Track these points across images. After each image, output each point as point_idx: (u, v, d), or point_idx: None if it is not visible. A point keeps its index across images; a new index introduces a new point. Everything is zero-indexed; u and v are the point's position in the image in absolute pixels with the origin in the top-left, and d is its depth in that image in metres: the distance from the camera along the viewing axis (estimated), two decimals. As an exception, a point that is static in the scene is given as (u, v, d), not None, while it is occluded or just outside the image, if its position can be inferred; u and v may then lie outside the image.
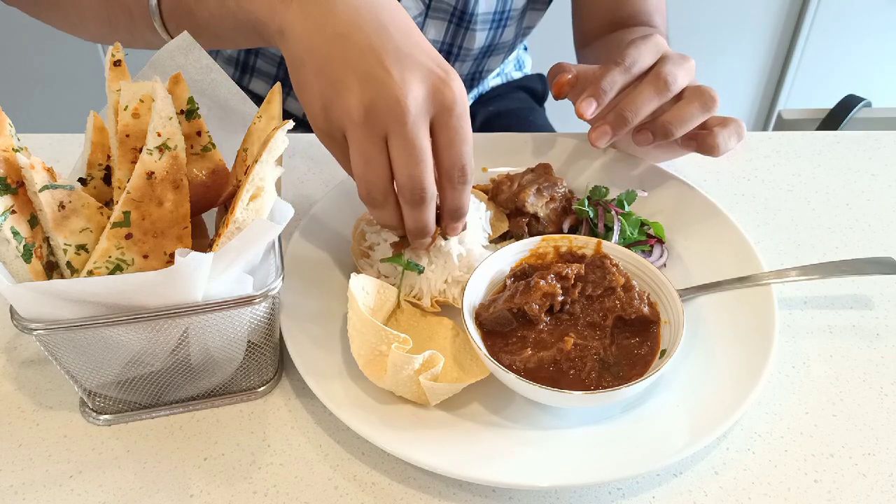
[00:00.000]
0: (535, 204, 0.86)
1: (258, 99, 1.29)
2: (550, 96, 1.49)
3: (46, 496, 0.67)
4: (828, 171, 1.03)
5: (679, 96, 0.85)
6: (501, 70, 1.44)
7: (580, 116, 0.84)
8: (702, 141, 0.86)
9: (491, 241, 0.85)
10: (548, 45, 1.67)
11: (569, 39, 1.30)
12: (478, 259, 0.80)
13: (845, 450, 0.71)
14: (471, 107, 1.37)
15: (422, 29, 1.18)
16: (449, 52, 1.22)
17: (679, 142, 0.87)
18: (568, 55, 1.28)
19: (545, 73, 1.49)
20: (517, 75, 1.47)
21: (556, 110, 1.52)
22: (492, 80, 1.42)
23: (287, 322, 0.76)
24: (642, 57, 0.84)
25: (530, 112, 1.42)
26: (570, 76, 0.89)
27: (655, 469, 0.67)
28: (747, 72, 2.47)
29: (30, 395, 0.75)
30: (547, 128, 1.41)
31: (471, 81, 1.32)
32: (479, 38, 1.20)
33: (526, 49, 1.51)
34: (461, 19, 1.16)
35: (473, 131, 1.36)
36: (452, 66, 1.24)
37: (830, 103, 1.35)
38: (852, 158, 1.05)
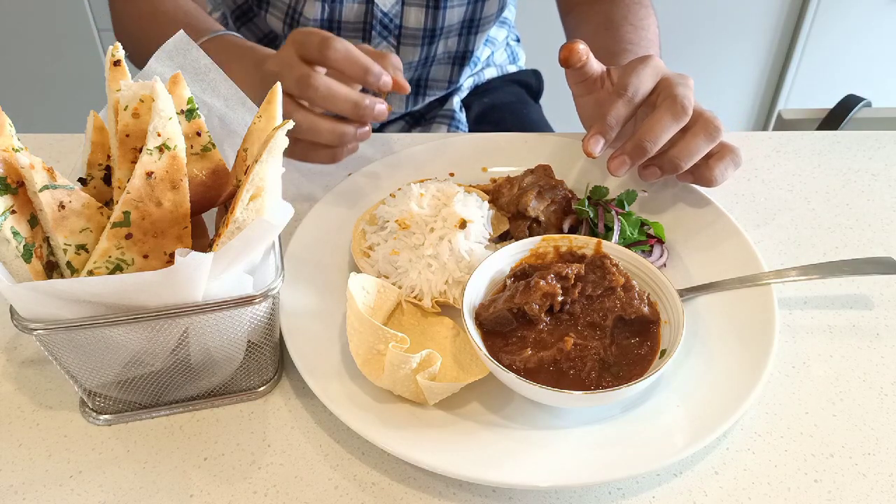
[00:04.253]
0: (537, 208, 0.86)
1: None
2: (545, 93, 1.49)
3: (46, 496, 0.67)
4: (828, 171, 1.03)
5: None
6: (493, 60, 1.43)
7: (588, 154, 0.85)
8: (699, 174, 0.87)
9: (491, 241, 0.85)
10: (542, 41, 1.67)
11: (563, 35, 1.30)
12: (478, 259, 0.80)
13: (845, 450, 0.71)
14: (466, 98, 1.38)
15: (401, 18, 1.20)
16: (433, 35, 1.23)
17: (677, 175, 0.88)
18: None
19: (539, 68, 1.49)
20: (512, 69, 1.47)
21: (553, 108, 1.52)
22: (487, 72, 1.42)
23: (287, 322, 0.76)
24: (643, 84, 0.85)
25: (524, 106, 1.42)
26: (583, 58, 0.87)
27: (655, 469, 0.67)
28: (747, 72, 2.47)
29: (30, 395, 0.75)
30: (541, 123, 1.41)
31: (461, 60, 1.32)
32: (458, 12, 1.22)
33: (518, 41, 1.51)
34: (437, 0, 1.17)
35: (468, 123, 1.37)
36: (438, 46, 1.26)
37: (830, 103, 1.34)
38: (852, 158, 1.05)
